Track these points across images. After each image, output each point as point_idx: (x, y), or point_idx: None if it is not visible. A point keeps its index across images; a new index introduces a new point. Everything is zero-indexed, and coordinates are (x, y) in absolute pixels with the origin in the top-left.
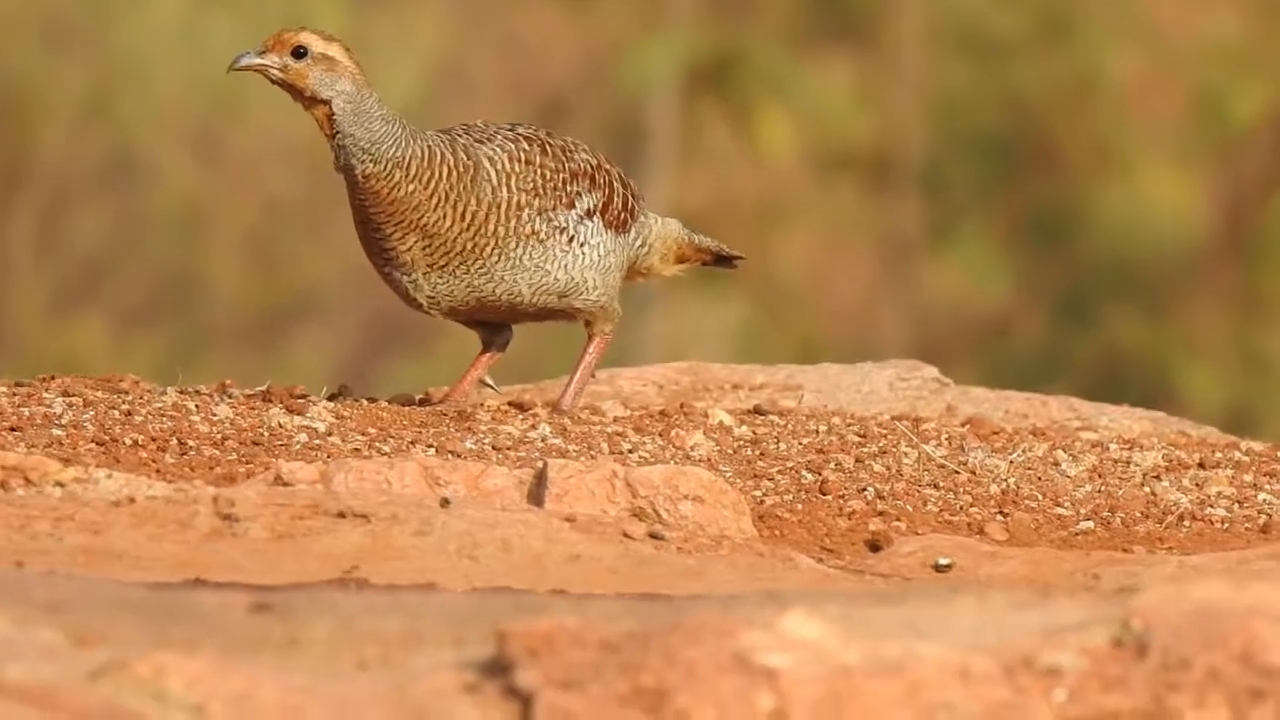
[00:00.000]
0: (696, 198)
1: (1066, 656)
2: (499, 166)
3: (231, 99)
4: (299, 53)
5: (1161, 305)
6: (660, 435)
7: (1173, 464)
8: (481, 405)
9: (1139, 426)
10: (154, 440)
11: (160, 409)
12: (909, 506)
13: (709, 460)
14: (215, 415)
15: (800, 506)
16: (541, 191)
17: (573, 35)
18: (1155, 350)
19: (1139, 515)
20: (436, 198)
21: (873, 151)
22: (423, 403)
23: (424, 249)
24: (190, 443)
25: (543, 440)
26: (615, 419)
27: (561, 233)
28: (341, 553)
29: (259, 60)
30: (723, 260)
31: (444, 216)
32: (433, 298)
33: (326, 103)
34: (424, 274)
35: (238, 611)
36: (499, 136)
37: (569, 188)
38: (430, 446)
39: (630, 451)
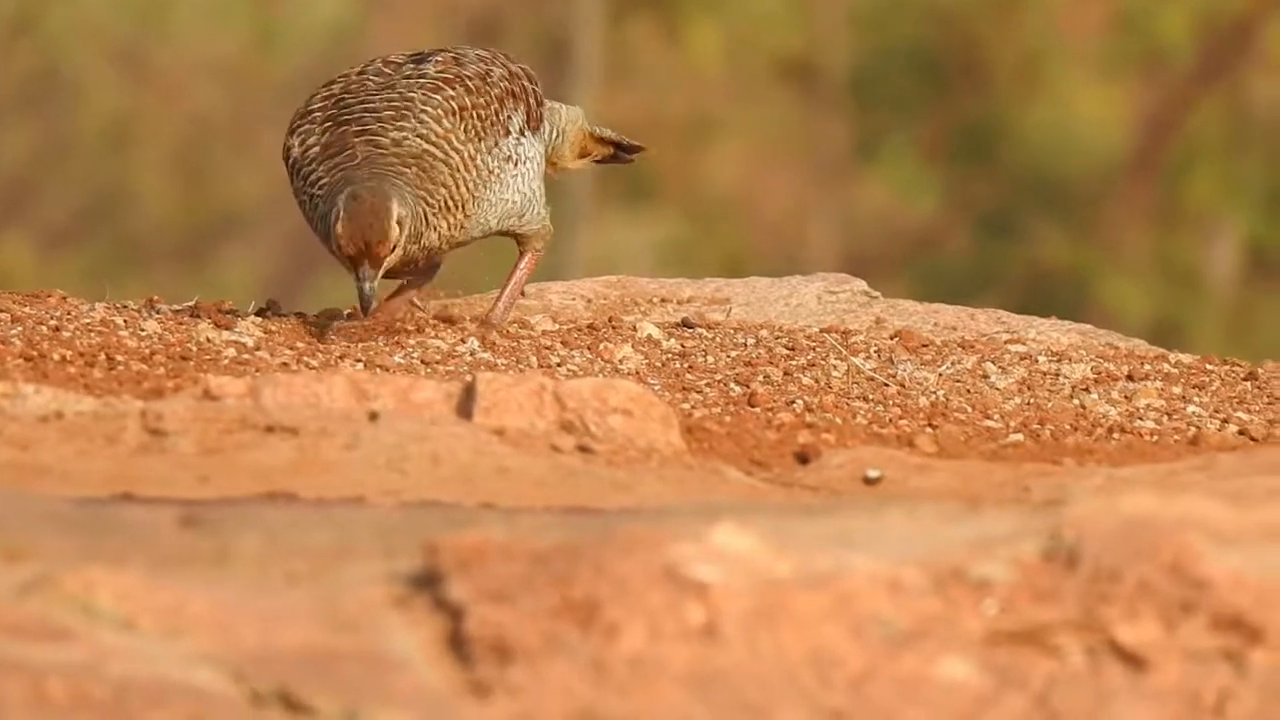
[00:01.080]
0: (625, 113)
1: (997, 568)
2: (435, 137)
3: (157, 16)
4: (393, 249)
5: (1087, 219)
6: (589, 349)
7: (1101, 376)
8: (409, 319)
9: (1067, 339)
10: (82, 355)
11: (88, 325)
12: (838, 419)
13: (637, 373)
14: (143, 331)
15: (729, 419)
16: (482, 133)
17: None
18: (1081, 264)
19: (1068, 428)
20: (431, 225)
21: (801, 65)
22: (350, 318)
23: (427, 256)
24: (118, 358)
25: (471, 354)
26: (544, 333)
27: (508, 160)
28: (270, 467)
29: (377, 282)
30: (622, 151)
31: (439, 228)
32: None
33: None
34: (423, 266)
35: (167, 526)
36: (417, 95)
37: (501, 115)
38: (359, 361)
39: (559, 365)
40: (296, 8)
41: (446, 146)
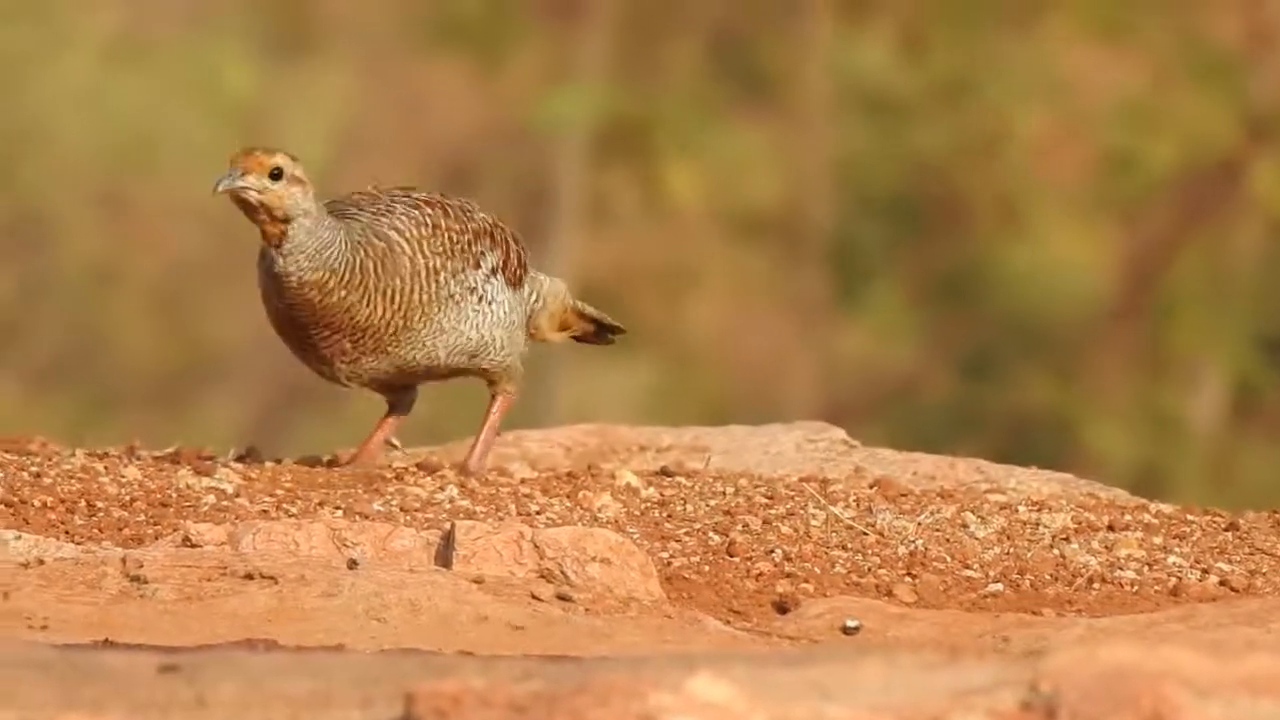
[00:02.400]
0: (604, 259)
1: (975, 719)
2: (408, 235)
3: (138, 159)
4: (275, 174)
5: (1068, 364)
6: (568, 497)
7: (1082, 526)
8: (389, 466)
9: (1048, 488)
10: (63, 502)
11: (69, 471)
12: (816, 568)
13: (616, 522)
14: (124, 477)
15: (708, 568)
16: (451, 253)
17: (479, 97)
18: (1062, 409)
19: (1048, 578)
20: (367, 295)
21: (781, 213)
22: (330, 464)
23: (354, 340)
24: (99, 504)
25: (450, 502)
26: (523, 480)
27: (472, 292)
28: (249, 614)
29: (241, 183)
30: (603, 331)
31: (375, 308)
32: (356, 375)
33: (289, 220)
34: (351, 360)
35: (146, 672)
36: (399, 206)
37: (474, 248)
38: (338, 508)
39: (538, 513)
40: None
41: (414, 248)
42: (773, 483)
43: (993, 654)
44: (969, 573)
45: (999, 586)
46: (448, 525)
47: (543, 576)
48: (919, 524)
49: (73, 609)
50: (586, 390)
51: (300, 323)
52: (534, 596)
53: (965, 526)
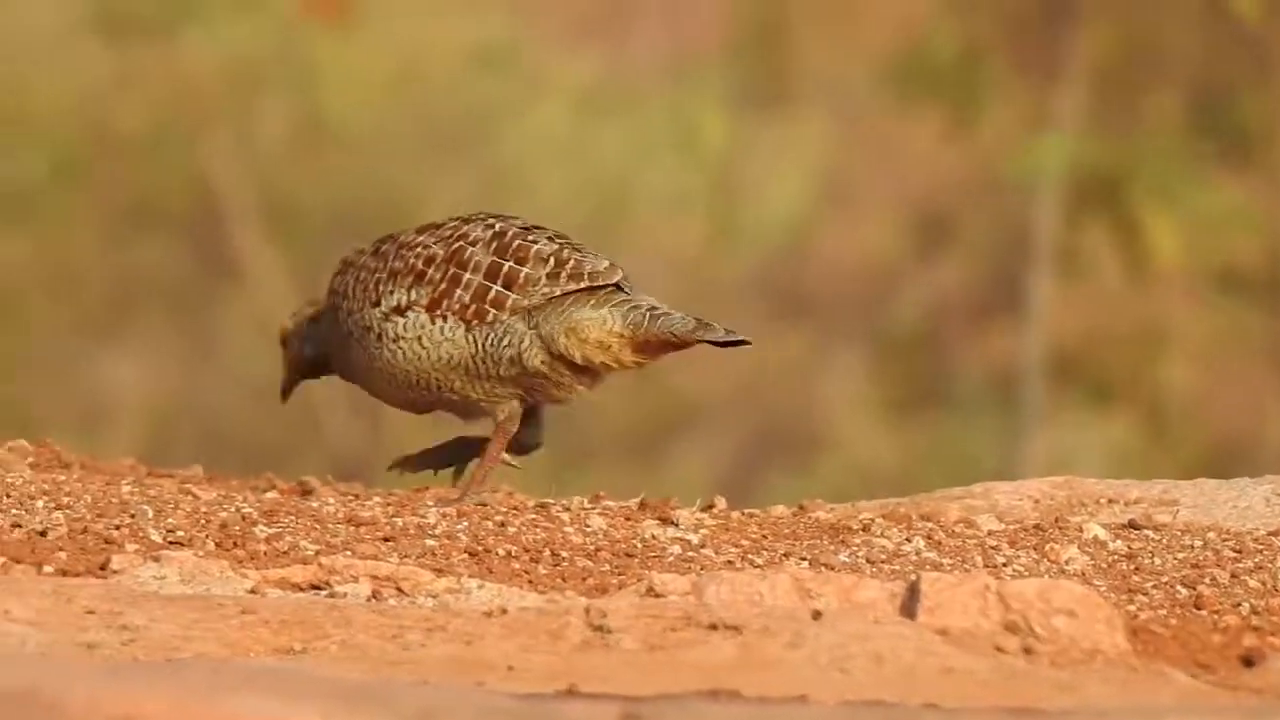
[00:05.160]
0: (1079, 311)
1: None
2: (337, 282)
3: (615, 205)
4: (283, 345)
5: None
6: (1034, 549)
7: None
8: (856, 517)
9: None
10: (527, 551)
11: (533, 520)
12: None
13: (1083, 574)
14: (589, 526)
15: (1174, 621)
16: (350, 294)
17: (954, 149)
18: None
19: None
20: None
21: (1260, 270)
22: (796, 515)
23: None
24: (563, 554)
25: (916, 553)
26: (990, 532)
27: (368, 331)
28: (712, 664)
29: (284, 378)
30: (714, 345)
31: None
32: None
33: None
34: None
35: None
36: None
37: (380, 287)
38: (803, 559)
39: (1004, 565)
40: (754, 200)
41: (341, 295)
42: (1241, 536)
43: None
44: None
45: None
46: (913, 576)
47: (1008, 628)
48: None
49: (534, 658)
50: (1060, 445)
51: None
52: (998, 648)
53: None
